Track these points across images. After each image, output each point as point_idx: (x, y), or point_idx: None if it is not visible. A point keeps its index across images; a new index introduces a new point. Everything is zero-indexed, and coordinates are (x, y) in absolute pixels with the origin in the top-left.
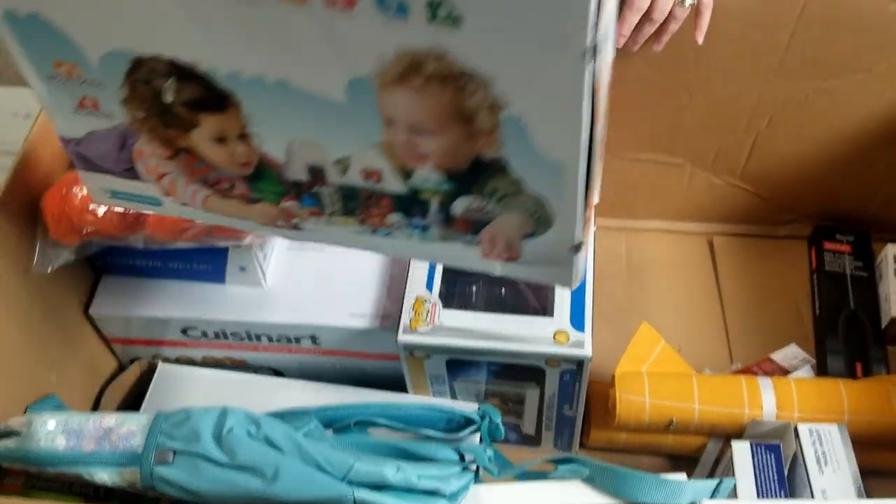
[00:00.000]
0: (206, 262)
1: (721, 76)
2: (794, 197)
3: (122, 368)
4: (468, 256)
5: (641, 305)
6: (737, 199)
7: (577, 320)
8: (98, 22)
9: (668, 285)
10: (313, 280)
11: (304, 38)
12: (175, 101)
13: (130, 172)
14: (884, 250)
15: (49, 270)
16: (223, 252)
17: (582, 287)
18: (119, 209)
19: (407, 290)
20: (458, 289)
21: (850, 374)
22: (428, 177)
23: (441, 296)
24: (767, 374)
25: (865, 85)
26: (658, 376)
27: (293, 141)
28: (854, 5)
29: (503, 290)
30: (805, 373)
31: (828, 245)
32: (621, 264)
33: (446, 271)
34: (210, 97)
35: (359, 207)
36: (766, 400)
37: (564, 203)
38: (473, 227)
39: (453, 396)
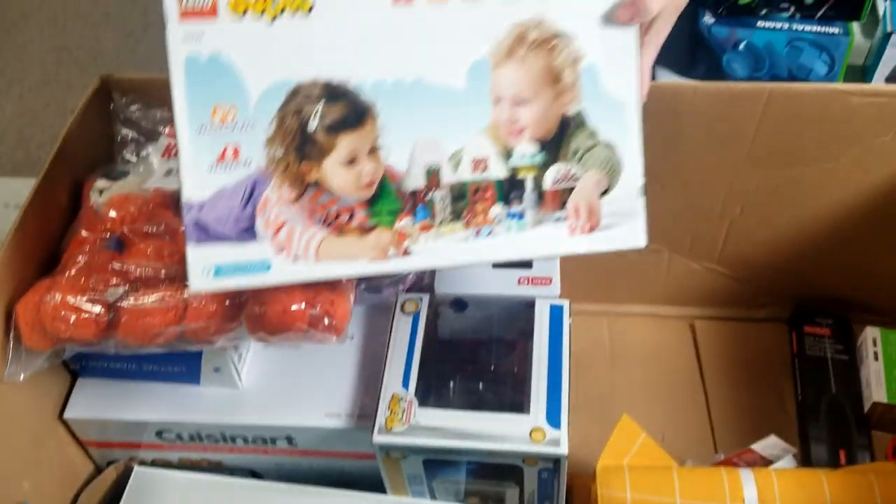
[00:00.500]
0: (181, 363)
1: (692, 166)
2: (772, 280)
3: (98, 471)
4: (557, 238)
5: (624, 392)
6: (716, 282)
7: (553, 416)
8: (270, 55)
9: (651, 371)
10: (289, 379)
11: (442, 31)
12: (318, 126)
13: (247, 233)
14: (863, 333)
15: (21, 378)
16: (198, 353)
17: (558, 380)
18: (90, 315)
19: (383, 387)
20: (435, 385)
21: (834, 461)
22: (525, 151)
23: (417, 393)
24: (749, 464)
25: (833, 174)
26: (639, 470)
27: (416, 143)
28: (817, 99)
29: (480, 384)
30: (787, 462)
31: (808, 329)
32: (604, 350)
33: (423, 366)
34: (352, 114)
35: (466, 207)
36: (747, 492)
37: (629, 142)
38: (561, 199)
39: (433, 496)
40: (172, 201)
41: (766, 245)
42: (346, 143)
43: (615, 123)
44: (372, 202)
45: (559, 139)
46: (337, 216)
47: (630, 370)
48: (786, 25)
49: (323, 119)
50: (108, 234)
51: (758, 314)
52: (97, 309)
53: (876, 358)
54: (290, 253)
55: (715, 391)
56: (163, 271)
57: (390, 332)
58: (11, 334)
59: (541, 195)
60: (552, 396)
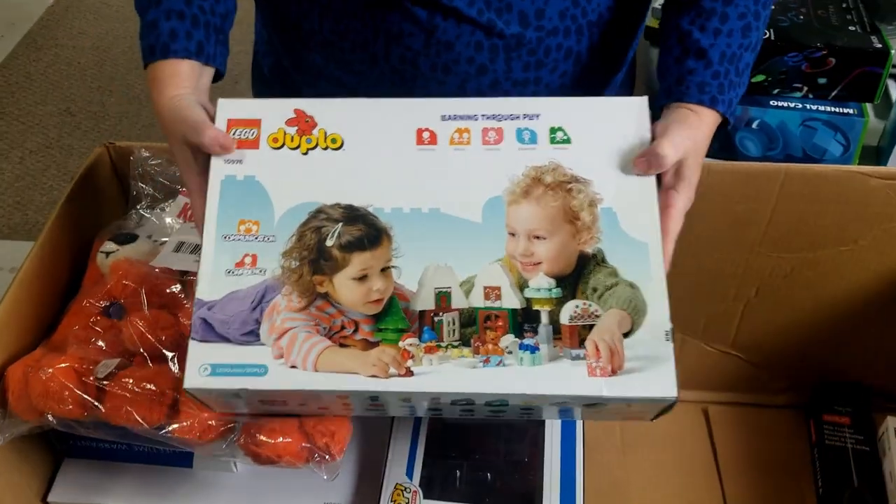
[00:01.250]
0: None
1: (706, 246)
2: (788, 365)
3: None
4: (574, 378)
5: (638, 480)
6: (730, 366)
7: None
8: (299, 181)
9: (664, 458)
10: None
11: (461, 170)
12: (335, 243)
13: (249, 336)
14: (884, 423)
15: (1, 441)
16: None
17: (572, 471)
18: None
19: (385, 476)
20: (441, 474)
21: None
22: (540, 284)
23: (422, 483)
24: None
25: (851, 256)
26: None
27: (428, 267)
28: (835, 181)
29: (488, 475)
30: None
31: (826, 417)
32: (614, 435)
33: (428, 453)
34: (368, 235)
35: (475, 334)
36: None
37: (653, 283)
38: (580, 336)
39: None
40: (177, 275)
41: (782, 328)
42: (359, 261)
43: (637, 264)
44: (378, 318)
45: (577, 276)
46: (341, 328)
47: (642, 457)
48: (799, 105)
49: (340, 237)
50: (110, 299)
51: (774, 400)
52: (84, 389)
53: None
54: (288, 359)
55: (731, 481)
56: (159, 346)
57: (393, 418)
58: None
59: (557, 329)
60: (566, 485)
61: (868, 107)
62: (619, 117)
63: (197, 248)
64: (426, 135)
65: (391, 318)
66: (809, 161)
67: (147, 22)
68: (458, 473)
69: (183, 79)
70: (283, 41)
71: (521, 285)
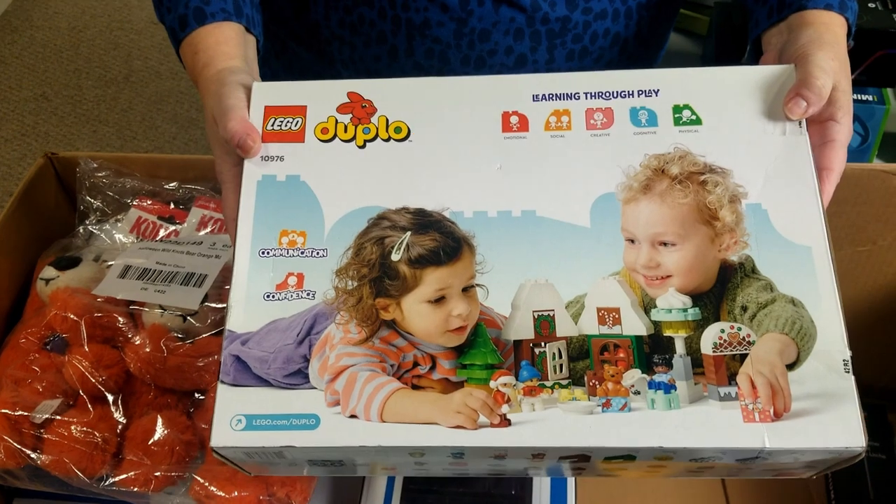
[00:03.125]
0: None
1: None
2: None
3: None
4: (727, 425)
5: (638, 495)
6: None
7: None
8: (355, 181)
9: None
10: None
11: (560, 162)
12: (402, 258)
13: (295, 378)
14: None
15: None
16: None
17: (563, 497)
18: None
19: None
20: None
21: None
22: (671, 304)
23: None
24: None
25: (869, 257)
26: None
27: (524, 284)
28: (853, 181)
29: None
30: None
31: None
32: None
33: (407, 489)
34: (444, 246)
35: (590, 369)
36: None
37: (823, 299)
38: (729, 369)
39: None
40: (122, 305)
41: None
42: (434, 279)
43: (800, 274)
44: (462, 352)
45: (720, 292)
46: (414, 364)
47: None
48: None
49: (409, 250)
50: (51, 333)
51: None
52: (18, 439)
53: None
54: (346, 407)
55: (736, 494)
56: (101, 388)
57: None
58: None
59: (697, 361)
60: None
61: (889, 92)
62: (763, 90)
63: (145, 273)
64: (514, 119)
65: (479, 350)
66: None
67: None
68: None
69: (231, 46)
70: (272, 38)
71: (647, 305)
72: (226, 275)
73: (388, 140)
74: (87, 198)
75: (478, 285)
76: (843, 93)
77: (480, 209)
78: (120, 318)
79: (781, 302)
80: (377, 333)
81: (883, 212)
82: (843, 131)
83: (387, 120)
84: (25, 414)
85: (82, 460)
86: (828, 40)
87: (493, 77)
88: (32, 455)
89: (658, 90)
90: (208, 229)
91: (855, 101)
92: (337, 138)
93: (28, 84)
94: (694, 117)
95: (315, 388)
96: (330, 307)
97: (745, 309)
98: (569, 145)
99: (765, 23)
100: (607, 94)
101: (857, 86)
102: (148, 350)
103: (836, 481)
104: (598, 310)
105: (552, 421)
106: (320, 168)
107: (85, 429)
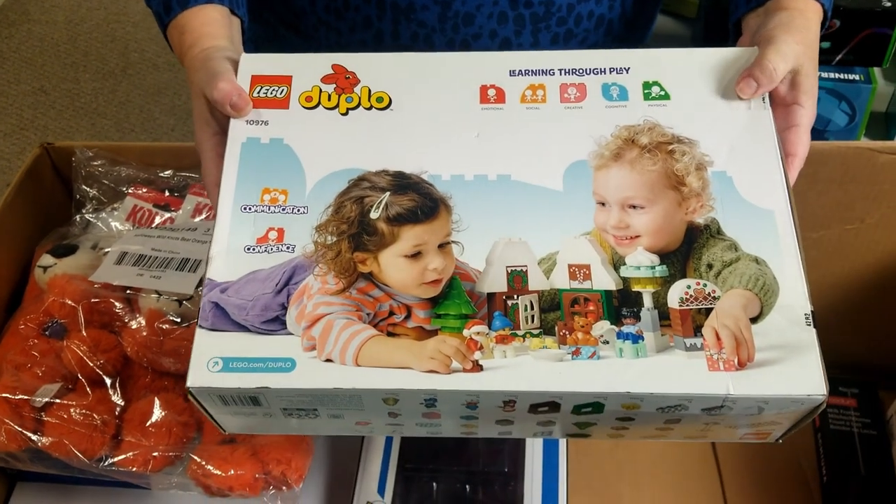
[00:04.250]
0: None
1: None
2: None
3: None
4: (693, 373)
5: (630, 473)
6: None
7: None
8: (337, 145)
9: (658, 448)
10: None
11: (535, 132)
12: (381, 216)
13: (272, 324)
14: (893, 405)
15: None
16: None
17: (555, 475)
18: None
19: (355, 494)
20: (416, 489)
21: None
22: (640, 261)
23: (395, 500)
24: None
25: (858, 235)
26: None
27: (498, 242)
28: (840, 159)
29: (467, 487)
30: None
31: (831, 399)
32: None
33: (402, 467)
34: (422, 206)
35: (560, 320)
36: None
37: (785, 258)
38: (694, 322)
39: None
40: (119, 290)
41: None
42: (411, 235)
43: (763, 235)
44: (437, 303)
45: (686, 251)
46: (389, 313)
47: (636, 448)
48: None
49: (388, 209)
50: (49, 319)
51: None
52: (20, 422)
53: None
54: (322, 352)
55: (729, 470)
56: (99, 371)
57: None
58: None
59: (664, 314)
60: (548, 495)
61: (876, 71)
62: (728, 70)
63: (141, 259)
64: (492, 92)
65: (453, 301)
66: (812, 133)
67: None
68: (434, 488)
69: (216, 27)
70: (263, 23)
71: (616, 263)
72: None
73: (370, 108)
74: (84, 187)
75: (454, 242)
76: (806, 77)
77: (457, 173)
78: (117, 304)
79: (745, 260)
80: (354, 284)
81: (870, 189)
82: (807, 115)
83: (369, 90)
84: (26, 398)
85: (82, 442)
86: (797, 25)
87: (473, 53)
88: (33, 437)
89: (629, 68)
90: (203, 216)
91: (842, 80)
92: (321, 106)
93: (26, 78)
94: (663, 93)
95: (292, 333)
96: (309, 260)
97: (710, 267)
98: (544, 116)
99: (744, 7)
100: (581, 71)
101: (844, 65)
102: (145, 334)
103: (828, 457)
104: (570, 266)
105: (523, 367)
106: (303, 132)
107: (84, 411)
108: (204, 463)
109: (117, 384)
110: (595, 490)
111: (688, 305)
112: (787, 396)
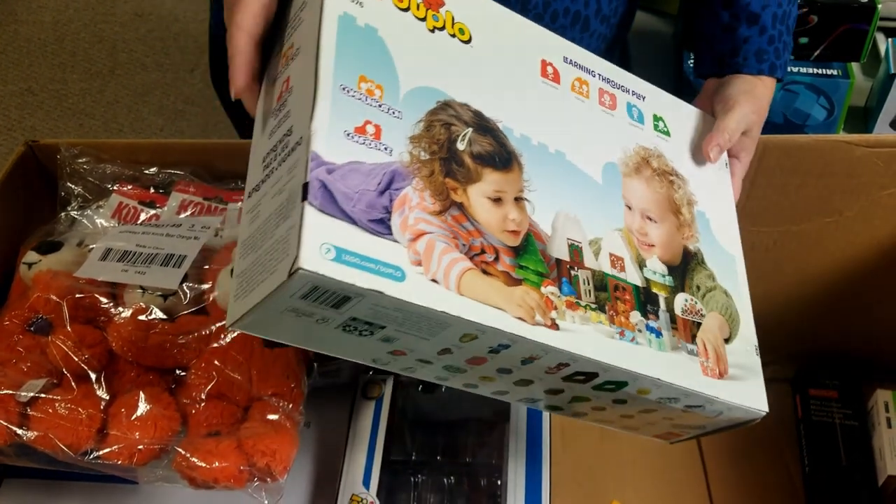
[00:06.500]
0: None
1: None
2: (772, 338)
3: None
4: (694, 374)
5: (614, 466)
6: None
7: None
8: (426, 60)
9: (642, 440)
10: None
11: (582, 121)
12: (465, 150)
13: (379, 225)
14: (874, 397)
15: None
16: None
17: (538, 468)
18: None
19: (341, 487)
20: (402, 482)
21: None
22: (656, 267)
23: (380, 493)
24: None
25: (837, 228)
26: None
27: (559, 214)
28: (818, 153)
29: (452, 478)
30: None
31: (813, 391)
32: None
33: (387, 460)
34: (499, 154)
35: (609, 302)
36: None
37: (741, 297)
38: (691, 331)
39: None
40: (104, 286)
41: (764, 301)
42: (492, 180)
43: (728, 274)
44: (518, 254)
45: (683, 269)
46: (482, 251)
47: (620, 441)
48: None
49: (472, 145)
50: (35, 315)
51: None
52: (5, 416)
53: (889, 425)
54: (428, 270)
55: (713, 461)
56: (84, 367)
57: (350, 420)
58: None
59: (672, 319)
60: (531, 488)
61: (854, 66)
62: (703, 128)
63: (126, 255)
64: (550, 70)
65: (531, 256)
66: (791, 127)
67: None
68: (419, 479)
69: None
70: None
71: (640, 263)
72: (205, 254)
73: (453, 36)
74: (69, 184)
75: (526, 199)
76: (751, 138)
77: (526, 134)
78: (102, 299)
79: (719, 291)
80: (448, 210)
81: (848, 182)
82: (742, 168)
83: (453, 17)
84: (11, 393)
85: (68, 436)
86: (757, 95)
87: (539, 27)
88: (19, 432)
89: (645, 97)
90: (188, 213)
91: (820, 75)
92: (410, 12)
93: (13, 78)
94: (666, 129)
95: (398, 242)
96: (406, 170)
97: (698, 289)
98: (588, 110)
99: (708, 69)
100: (614, 84)
101: (822, 60)
102: (130, 329)
103: (810, 447)
104: (611, 255)
105: (588, 336)
106: (397, 32)
107: (70, 406)
108: (189, 455)
109: (102, 379)
110: (578, 482)
111: (686, 316)
112: (745, 407)
